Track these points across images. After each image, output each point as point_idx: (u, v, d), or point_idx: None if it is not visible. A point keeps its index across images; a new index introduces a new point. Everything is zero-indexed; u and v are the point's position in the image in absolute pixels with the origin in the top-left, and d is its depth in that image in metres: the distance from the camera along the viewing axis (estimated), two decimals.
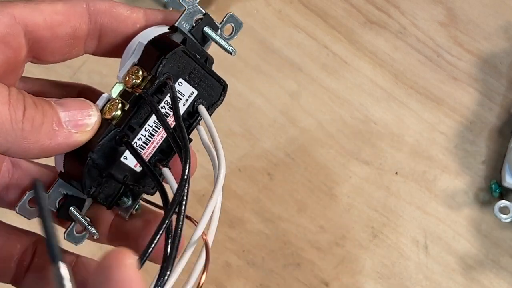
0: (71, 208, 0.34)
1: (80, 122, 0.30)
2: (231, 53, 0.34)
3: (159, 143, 0.33)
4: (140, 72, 0.31)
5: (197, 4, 0.33)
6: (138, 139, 0.32)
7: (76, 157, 0.31)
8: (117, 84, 0.32)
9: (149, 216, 0.36)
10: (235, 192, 0.55)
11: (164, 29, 0.33)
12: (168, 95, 0.32)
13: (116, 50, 0.34)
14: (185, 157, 0.29)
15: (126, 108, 0.31)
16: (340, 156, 0.57)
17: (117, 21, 0.33)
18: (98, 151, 0.31)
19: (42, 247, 0.35)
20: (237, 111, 0.58)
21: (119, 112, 0.31)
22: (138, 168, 0.33)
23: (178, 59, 0.31)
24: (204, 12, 0.33)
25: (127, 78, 0.31)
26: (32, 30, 0.31)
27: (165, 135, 0.33)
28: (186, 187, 0.29)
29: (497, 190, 0.54)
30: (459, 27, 0.62)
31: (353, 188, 0.56)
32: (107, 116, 0.31)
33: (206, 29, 0.34)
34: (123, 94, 0.32)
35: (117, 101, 0.31)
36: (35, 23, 0.31)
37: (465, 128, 0.58)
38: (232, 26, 0.35)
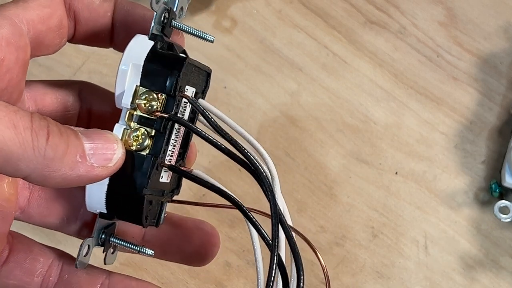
0: (112, 239, 0.34)
1: (103, 157, 0.29)
2: (211, 41, 0.34)
3: (178, 149, 0.34)
4: (154, 95, 0.31)
5: (162, 4, 0.32)
6: (167, 155, 0.33)
7: (126, 196, 0.31)
8: (128, 111, 0.31)
9: (176, 221, 0.37)
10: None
11: (145, 40, 0.32)
12: (182, 104, 0.32)
13: (90, 38, 0.35)
14: (259, 177, 0.32)
15: (152, 134, 0.31)
16: (340, 156, 0.57)
17: (89, 9, 0.34)
18: (149, 185, 0.31)
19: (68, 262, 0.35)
20: (237, 111, 0.58)
21: (148, 141, 0.31)
22: (168, 179, 0.34)
23: (185, 70, 0.32)
24: (168, 8, 0.33)
25: (143, 105, 0.31)
26: (30, 27, 0.31)
27: (180, 140, 0.33)
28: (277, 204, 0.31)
29: (497, 190, 0.54)
30: (459, 27, 0.62)
31: (353, 188, 0.56)
32: (137, 148, 0.31)
33: (178, 24, 0.34)
34: (139, 120, 0.31)
35: (141, 129, 0.31)
36: (31, 19, 0.31)
37: (465, 128, 0.58)
38: (181, 6, 0.35)
